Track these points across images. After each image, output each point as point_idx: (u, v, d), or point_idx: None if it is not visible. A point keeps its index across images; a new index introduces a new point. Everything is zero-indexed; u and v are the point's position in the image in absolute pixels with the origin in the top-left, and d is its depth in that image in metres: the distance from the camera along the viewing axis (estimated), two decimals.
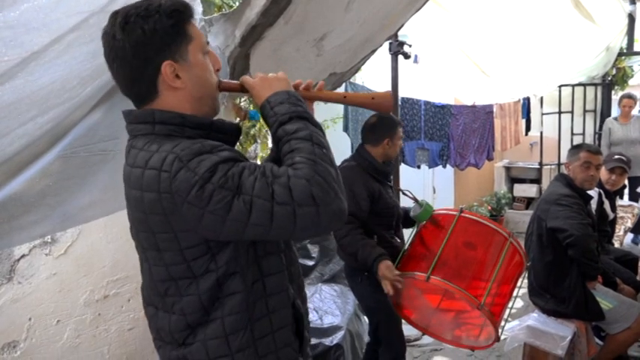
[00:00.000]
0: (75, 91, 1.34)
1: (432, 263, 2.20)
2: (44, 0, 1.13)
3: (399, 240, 2.69)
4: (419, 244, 2.48)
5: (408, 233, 2.68)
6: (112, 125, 1.53)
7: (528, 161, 7.82)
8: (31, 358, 1.89)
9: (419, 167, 5.16)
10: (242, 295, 1.10)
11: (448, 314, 2.62)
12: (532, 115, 6.97)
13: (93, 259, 2.06)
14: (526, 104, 6.77)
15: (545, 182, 7.13)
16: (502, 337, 2.32)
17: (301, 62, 2.35)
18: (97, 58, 1.27)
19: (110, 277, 2.11)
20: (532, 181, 7.59)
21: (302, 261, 3.55)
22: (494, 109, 6.07)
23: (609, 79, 7.08)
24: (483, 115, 5.88)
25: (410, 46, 3.87)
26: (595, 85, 6.97)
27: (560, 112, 6.85)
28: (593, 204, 3.28)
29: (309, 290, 3.37)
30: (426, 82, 5.70)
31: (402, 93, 4.30)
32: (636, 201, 5.07)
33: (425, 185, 6.20)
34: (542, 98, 6.92)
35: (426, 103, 5.08)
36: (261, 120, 1.21)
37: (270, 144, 3.57)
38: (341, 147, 3.94)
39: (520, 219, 7.07)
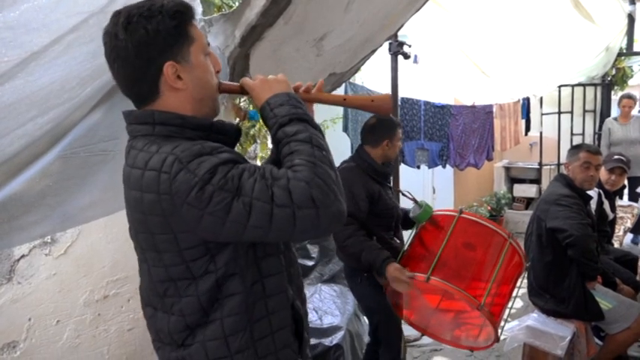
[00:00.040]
0: (75, 92, 1.34)
1: (432, 264, 2.20)
2: (44, 0, 1.13)
3: (398, 241, 2.69)
4: (418, 244, 2.48)
5: (407, 234, 2.68)
6: (112, 125, 1.53)
7: (528, 161, 7.83)
8: (30, 358, 1.89)
9: (418, 167, 5.16)
10: (241, 297, 1.10)
11: (447, 314, 2.62)
12: (532, 115, 6.97)
13: (93, 260, 2.06)
14: (526, 104, 6.77)
15: (545, 182, 7.13)
16: (502, 338, 2.32)
17: (301, 62, 2.35)
18: (97, 59, 1.27)
19: (110, 277, 2.11)
20: (532, 182, 7.59)
21: (302, 261, 3.56)
22: (494, 110, 6.07)
23: (609, 79, 7.09)
24: (483, 116, 5.88)
25: (410, 46, 3.86)
26: (595, 85, 6.98)
27: (559, 113, 6.86)
28: (593, 204, 3.28)
29: (308, 290, 3.38)
30: (426, 82, 5.70)
31: (402, 93, 4.30)
32: (636, 201, 5.07)
33: (424, 185, 6.21)
34: (541, 98, 6.92)
35: (426, 103, 5.08)
36: (261, 120, 1.21)
37: (269, 144, 3.57)
38: (340, 147, 3.94)
39: (520, 219, 7.07)
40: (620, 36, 6.12)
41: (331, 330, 3.00)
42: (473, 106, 5.77)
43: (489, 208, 7.04)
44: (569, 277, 2.82)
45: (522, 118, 6.79)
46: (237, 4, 2.37)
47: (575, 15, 4.81)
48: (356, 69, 2.99)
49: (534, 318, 2.92)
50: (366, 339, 3.06)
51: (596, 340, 3.15)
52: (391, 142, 2.63)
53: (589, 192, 3.02)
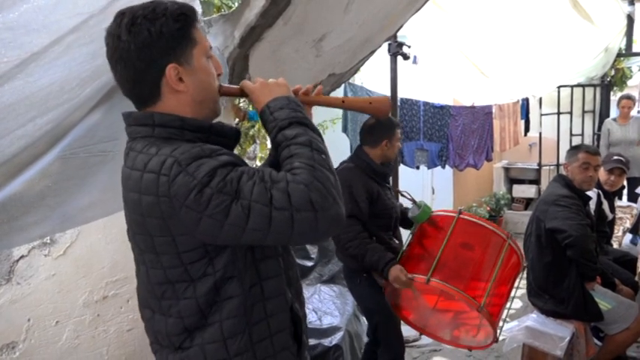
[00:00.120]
0: (74, 92, 1.34)
1: (432, 265, 2.21)
2: (44, 1, 1.13)
3: (397, 241, 2.70)
4: (417, 245, 2.48)
5: (406, 234, 2.68)
6: (112, 126, 1.53)
7: (527, 162, 7.83)
8: (29, 359, 1.89)
9: (418, 168, 5.17)
10: (240, 299, 1.10)
11: (447, 315, 2.63)
12: (531, 115, 6.98)
13: (92, 260, 2.06)
14: (525, 105, 6.77)
15: (544, 183, 7.13)
16: (501, 338, 2.33)
17: (300, 63, 2.35)
18: (97, 60, 1.27)
19: (109, 278, 2.11)
20: (531, 182, 7.59)
21: (301, 262, 3.55)
22: (494, 110, 6.07)
23: (608, 79, 7.10)
24: (482, 116, 5.88)
25: (409, 46, 3.87)
26: (594, 85, 6.99)
27: (559, 113, 6.86)
28: (592, 205, 3.29)
29: (308, 291, 3.37)
30: (425, 82, 5.71)
31: (401, 94, 4.30)
32: (635, 202, 5.07)
33: (424, 186, 6.21)
34: (541, 99, 6.93)
35: (425, 103, 5.08)
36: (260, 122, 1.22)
37: (269, 145, 3.57)
38: (340, 148, 3.95)
39: (519, 219, 7.07)
40: (620, 37, 6.13)
41: (330, 330, 3.00)
42: (472, 107, 5.78)
43: (488, 208, 7.04)
44: (568, 278, 2.82)
45: (521, 119, 6.79)
46: (236, 4, 2.37)
47: (574, 15, 4.82)
48: (355, 69, 3.00)
49: (533, 318, 2.92)
50: (365, 339, 3.06)
51: (596, 341, 3.15)
52: (390, 142, 2.63)
53: (588, 192, 3.02)
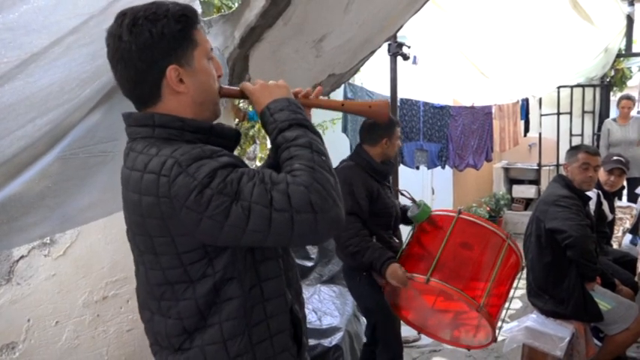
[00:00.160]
0: (74, 93, 1.34)
1: (432, 265, 2.21)
2: (44, 2, 1.13)
3: (397, 240, 2.70)
4: (416, 244, 2.49)
5: (405, 234, 2.68)
6: (111, 127, 1.53)
7: (527, 162, 7.83)
8: (29, 359, 1.89)
9: (417, 168, 5.17)
10: (239, 301, 1.10)
11: (446, 315, 2.63)
12: (531, 116, 6.98)
13: (92, 261, 2.06)
14: (525, 105, 6.78)
15: (544, 183, 7.14)
16: (501, 338, 2.33)
17: (300, 63, 2.35)
18: (97, 60, 1.27)
19: (109, 278, 2.11)
20: (531, 182, 7.60)
21: (301, 262, 3.56)
22: (493, 110, 6.07)
23: (608, 80, 7.10)
24: (482, 116, 5.89)
25: (409, 47, 3.88)
26: (594, 86, 6.99)
27: (558, 114, 6.87)
28: (592, 205, 3.29)
29: (307, 291, 3.37)
30: (425, 83, 5.71)
31: (401, 94, 4.30)
32: (635, 202, 5.07)
33: (424, 186, 6.21)
34: (540, 99, 6.93)
35: (425, 104, 5.08)
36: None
37: (269, 145, 3.58)
38: (340, 148, 3.95)
39: (519, 220, 7.08)
40: (619, 37, 6.13)
41: (330, 331, 3.00)
42: (472, 107, 5.78)
43: (488, 208, 7.05)
44: (568, 278, 2.82)
45: (521, 119, 6.80)
46: (236, 5, 2.37)
47: (574, 16, 4.82)
48: (355, 70, 3.00)
49: (533, 319, 2.92)
50: (364, 339, 3.06)
51: (595, 341, 3.15)
52: (390, 140, 2.64)
53: (588, 193, 3.02)
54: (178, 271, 1.08)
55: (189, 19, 1.10)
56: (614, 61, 6.64)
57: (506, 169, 7.95)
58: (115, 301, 2.14)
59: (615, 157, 3.68)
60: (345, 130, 4.17)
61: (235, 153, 1.20)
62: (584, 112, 7.02)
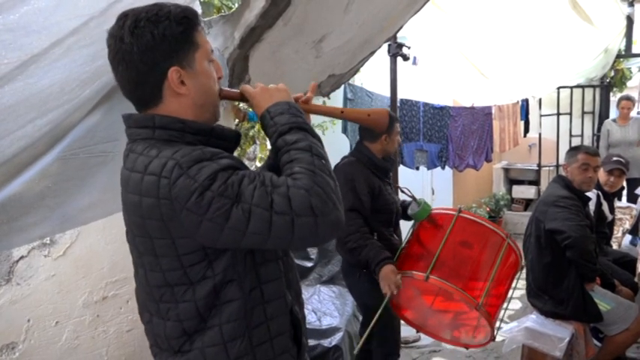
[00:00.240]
0: (74, 93, 1.34)
1: (431, 263, 2.21)
2: (44, 3, 1.13)
3: (397, 238, 2.70)
4: (416, 242, 2.49)
5: (405, 232, 2.68)
6: (111, 127, 1.53)
7: (527, 163, 7.83)
8: (29, 359, 1.89)
9: (417, 169, 5.17)
10: (239, 303, 1.10)
11: (446, 315, 2.63)
12: (531, 116, 6.99)
13: (91, 261, 2.06)
14: (525, 106, 6.78)
15: (544, 184, 7.14)
16: (500, 339, 2.33)
17: (300, 64, 2.35)
18: (97, 61, 1.27)
19: (109, 278, 2.11)
20: (530, 183, 7.60)
21: (301, 262, 3.56)
22: (493, 111, 6.08)
23: (607, 80, 7.11)
24: (482, 117, 5.89)
25: (409, 47, 3.88)
26: (593, 86, 6.99)
27: (558, 114, 6.86)
28: (592, 205, 3.29)
29: (307, 291, 3.38)
30: (425, 83, 5.72)
31: (401, 94, 4.31)
32: (634, 202, 5.07)
33: (424, 187, 6.22)
34: (540, 100, 6.93)
35: (425, 104, 5.09)
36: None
37: (269, 145, 3.58)
38: (340, 148, 3.94)
39: (519, 220, 7.08)
40: (619, 38, 6.13)
41: (330, 331, 3.00)
42: (472, 108, 5.79)
43: (488, 209, 7.05)
44: (567, 279, 2.82)
45: (521, 120, 6.80)
46: (236, 5, 2.37)
47: (573, 17, 4.82)
48: (355, 70, 3.00)
49: (533, 319, 2.92)
50: None
51: (595, 342, 3.15)
52: (389, 136, 2.64)
53: (587, 193, 3.03)
54: (178, 273, 1.08)
55: (190, 21, 1.10)
56: (614, 62, 6.64)
57: (506, 170, 7.95)
58: (115, 302, 2.14)
59: (615, 158, 3.68)
60: (344, 130, 4.17)
61: (235, 154, 1.20)
62: (583, 112, 7.02)
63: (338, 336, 2.97)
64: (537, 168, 7.36)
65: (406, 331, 2.76)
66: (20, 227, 1.50)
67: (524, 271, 2.62)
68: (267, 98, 1.18)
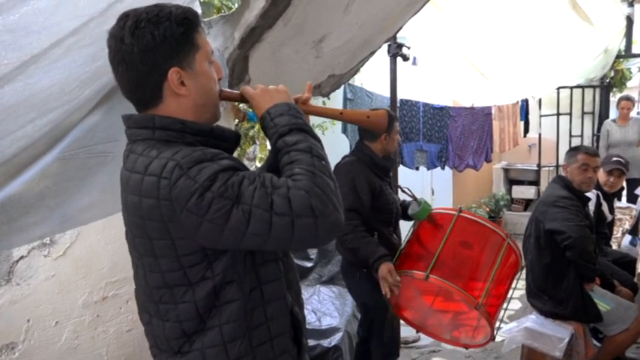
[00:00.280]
0: (74, 94, 1.34)
1: (431, 263, 2.21)
2: (44, 3, 1.13)
3: (397, 237, 2.70)
4: (416, 242, 2.49)
5: (405, 232, 2.68)
6: (111, 127, 1.53)
7: (527, 163, 7.84)
8: (29, 359, 1.89)
9: (417, 169, 5.17)
10: (239, 303, 1.10)
11: (446, 316, 2.63)
12: (530, 116, 6.99)
13: (91, 261, 2.06)
14: (524, 106, 6.79)
15: (544, 184, 7.14)
16: (500, 339, 2.33)
17: (300, 64, 2.36)
18: (97, 61, 1.27)
19: (109, 278, 2.11)
20: (530, 183, 7.61)
21: (300, 262, 3.56)
22: (493, 111, 6.08)
23: (607, 81, 7.11)
24: (482, 117, 5.89)
25: (409, 48, 3.88)
26: (593, 87, 6.99)
27: (558, 114, 6.87)
28: (591, 206, 3.29)
29: (307, 292, 3.38)
30: (425, 84, 5.72)
31: (401, 95, 4.31)
32: (634, 203, 5.07)
33: (423, 187, 6.21)
34: (540, 100, 6.94)
35: (425, 105, 5.09)
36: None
37: (268, 145, 3.58)
38: (340, 149, 3.95)
39: (518, 220, 7.08)
40: (619, 38, 6.13)
41: (330, 331, 3.00)
42: (472, 108, 5.79)
43: (488, 209, 7.05)
44: (567, 279, 2.82)
45: (521, 120, 6.81)
46: (236, 5, 2.38)
47: (573, 17, 4.82)
48: (355, 70, 3.00)
49: (533, 319, 2.93)
50: None
51: (595, 342, 3.15)
52: (389, 135, 2.64)
53: (587, 194, 3.03)
54: (178, 274, 1.08)
55: (191, 22, 1.10)
56: (614, 62, 6.64)
57: (506, 170, 7.95)
58: (115, 302, 2.14)
59: (615, 158, 3.68)
60: (344, 131, 4.17)
61: (235, 154, 1.20)
62: (583, 112, 7.02)
63: (338, 336, 2.97)
64: (537, 168, 7.37)
65: (406, 331, 2.76)
66: (20, 227, 1.50)
67: (524, 271, 2.62)
68: (267, 99, 1.19)
